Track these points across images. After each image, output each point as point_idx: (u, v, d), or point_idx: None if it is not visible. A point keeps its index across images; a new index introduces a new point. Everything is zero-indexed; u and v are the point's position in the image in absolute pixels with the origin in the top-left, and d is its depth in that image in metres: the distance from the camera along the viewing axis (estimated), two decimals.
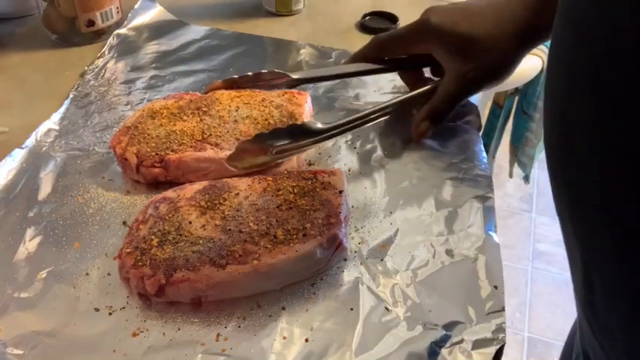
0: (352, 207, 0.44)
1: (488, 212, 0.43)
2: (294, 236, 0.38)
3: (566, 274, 1.44)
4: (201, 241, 0.38)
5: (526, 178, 0.99)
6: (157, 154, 0.45)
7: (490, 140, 0.90)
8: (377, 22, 0.69)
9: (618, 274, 0.31)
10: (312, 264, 0.38)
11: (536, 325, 1.30)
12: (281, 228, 0.38)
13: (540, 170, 1.68)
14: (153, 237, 0.38)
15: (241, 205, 0.40)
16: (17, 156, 0.48)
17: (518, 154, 0.93)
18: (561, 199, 0.34)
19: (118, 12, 0.65)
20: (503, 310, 0.36)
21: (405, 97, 0.51)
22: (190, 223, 0.39)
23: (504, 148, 1.00)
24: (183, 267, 0.36)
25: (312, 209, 0.40)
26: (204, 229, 0.38)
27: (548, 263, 1.43)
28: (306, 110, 0.50)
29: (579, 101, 0.30)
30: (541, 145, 0.88)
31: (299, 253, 0.37)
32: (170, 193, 0.42)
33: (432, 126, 0.49)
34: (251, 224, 0.38)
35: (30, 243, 0.41)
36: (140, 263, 0.36)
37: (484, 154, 0.49)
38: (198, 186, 0.42)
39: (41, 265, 0.40)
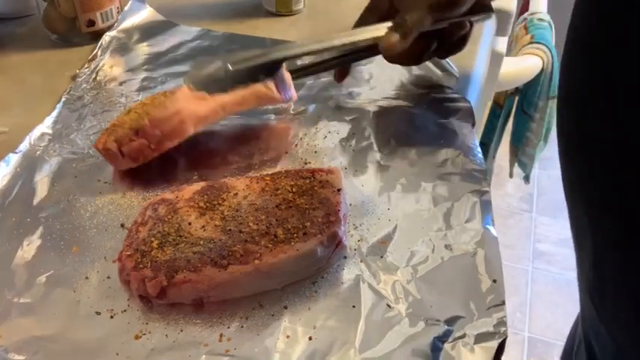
0: (350, 205, 0.45)
1: (485, 206, 0.45)
2: (295, 235, 0.39)
3: (566, 274, 1.46)
4: (201, 242, 0.38)
5: (526, 178, 1.00)
6: (130, 128, 0.46)
7: (490, 140, 0.91)
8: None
9: (628, 261, 0.32)
10: (313, 262, 0.39)
11: (536, 325, 1.31)
12: (281, 227, 0.39)
13: (541, 170, 1.70)
14: (153, 239, 0.39)
15: (240, 205, 0.41)
16: (11, 161, 0.49)
17: (519, 154, 0.94)
18: (572, 182, 0.35)
19: (118, 12, 0.66)
20: (503, 303, 0.37)
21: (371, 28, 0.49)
22: (190, 224, 0.40)
23: (505, 148, 1.01)
24: (185, 268, 0.37)
25: (311, 208, 0.41)
26: (204, 230, 0.39)
27: (549, 263, 1.45)
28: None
29: (593, 84, 0.31)
30: (541, 144, 0.89)
31: (300, 251, 0.38)
32: (168, 195, 0.43)
33: (401, 39, 0.48)
34: (251, 224, 0.40)
35: (28, 248, 0.42)
36: (141, 265, 0.37)
37: (478, 148, 0.51)
38: (196, 187, 0.43)
39: (40, 270, 0.40)
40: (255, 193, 0.42)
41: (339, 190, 0.43)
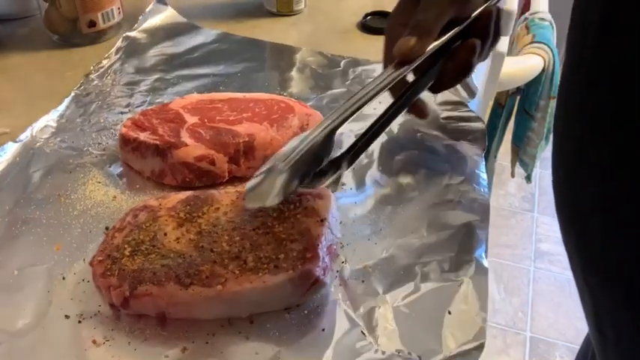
0: (340, 223, 0.40)
1: (480, 239, 0.39)
2: (265, 265, 0.33)
3: (568, 274, 1.39)
4: (172, 255, 0.34)
5: (528, 178, 0.94)
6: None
7: (492, 140, 0.86)
8: (378, 22, 0.66)
9: (629, 326, 0.28)
10: (283, 297, 0.34)
11: (538, 324, 1.25)
12: (253, 254, 0.34)
13: (542, 170, 1.62)
14: (126, 246, 0.35)
15: (219, 220, 0.37)
16: (10, 149, 0.46)
17: (520, 153, 0.89)
18: (572, 252, 0.33)
19: (119, 12, 0.63)
20: (482, 347, 0.32)
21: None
22: (165, 234, 0.36)
23: (506, 148, 0.96)
24: (149, 280, 0.33)
25: (289, 239, 0.35)
26: (178, 243, 0.35)
27: (550, 263, 1.38)
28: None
29: (586, 166, 0.28)
30: (542, 144, 0.84)
31: (267, 284, 0.33)
32: (152, 202, 0.39)
33: (418, 41, 0.38)
34: (224, 244, 0.35)
35: (9, 239, 0.39)
36: (109, 273, 0.34)
37: (484, 176, 0.44)
38: (181, 196, 0.39)
39: (18, 263, 0.37)
40: (237, 209, 0.37)
41: (322, 220, 0.37)
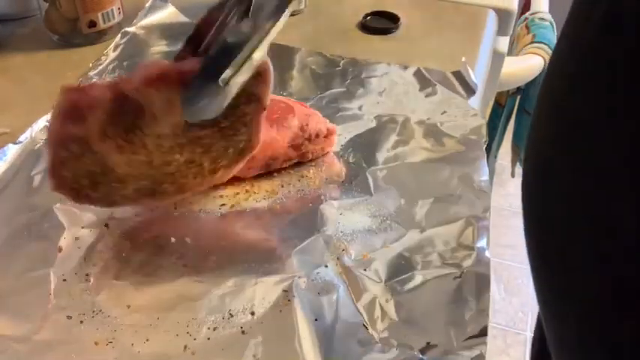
0: (340, 214, 0.40)
1: (482, 231, 0.39)
2: (220, 165, 0.37)
3: None
4: (131, 180, 0.35)
5: None
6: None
7: (492, 140, 0.86)
8: (378, 22, 0.66)
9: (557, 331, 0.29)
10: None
11: None
12: (207, 156, 0.36)
13: None
14: (82, 179, 0.34)
15: (161, 129, 0.33)
16: (10, 152, 0.46)
17: (520, 153, 0.88)
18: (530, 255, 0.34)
19: (119, 13, 0.63)
20: (485, 334, 0.32)
21: None
22: (114, 164, 0.34)
23: (506, 148, 0.95)
24: (122, 202, 0.35)
25: (235, 134, 0.36)
26: (130, 166, 0.34)
27: None
28: None
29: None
30: None
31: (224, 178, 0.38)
32: (74, 129, 0.33)
33: None
34: (177, 155, 0.35)
35: (11, 244, 0.39)
36: (78, 199, 0.35)
37: (486, 169, 0.45)
38: (101, 113, 0.33)
39: (19, 268, 0.37)
40: (176, 110, 0.33)
41: (264, 108, 0.36)
